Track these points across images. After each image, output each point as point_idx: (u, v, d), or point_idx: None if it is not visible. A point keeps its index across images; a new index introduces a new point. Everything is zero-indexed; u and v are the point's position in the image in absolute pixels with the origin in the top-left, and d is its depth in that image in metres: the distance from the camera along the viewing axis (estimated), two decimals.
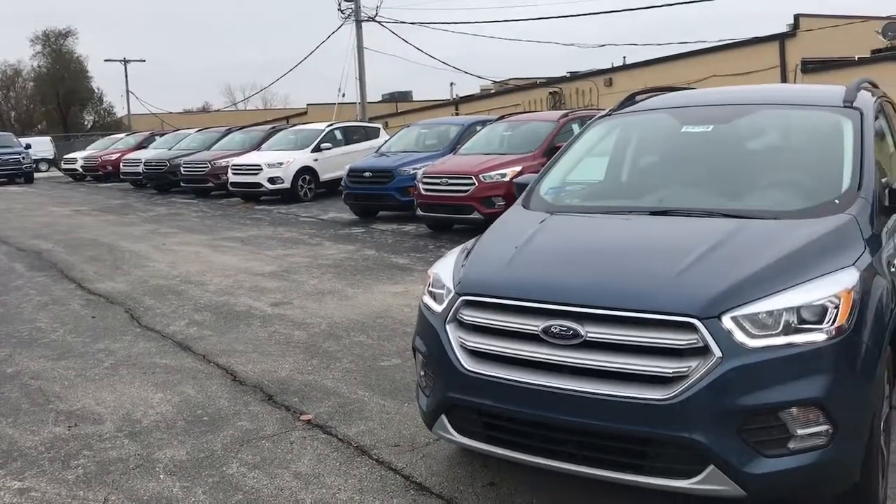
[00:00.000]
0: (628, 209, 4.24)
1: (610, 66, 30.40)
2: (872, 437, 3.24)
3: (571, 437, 3.24)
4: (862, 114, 4.31)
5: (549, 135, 12.84)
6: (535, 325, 3.31)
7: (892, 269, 3.72)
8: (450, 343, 3.52)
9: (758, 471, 3.01)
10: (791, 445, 3.04)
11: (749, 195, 4.15)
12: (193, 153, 23.24)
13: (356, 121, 25.93)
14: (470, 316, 3.52)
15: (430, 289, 3.88)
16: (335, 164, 19.16)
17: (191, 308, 8.19)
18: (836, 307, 3.10)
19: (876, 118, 4.47)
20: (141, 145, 29.45)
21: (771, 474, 3.02)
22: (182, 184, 22.62)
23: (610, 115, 5.20)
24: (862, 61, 22.71)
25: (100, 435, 4.84)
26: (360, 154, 18.27)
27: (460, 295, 3.59)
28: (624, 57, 54.68)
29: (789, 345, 3.03)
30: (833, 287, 3.16)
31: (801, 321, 3.08)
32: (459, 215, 12.47)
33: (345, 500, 3.89)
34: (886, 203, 3.94)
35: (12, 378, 6.04)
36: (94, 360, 6.45)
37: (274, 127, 25.51)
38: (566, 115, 13.72)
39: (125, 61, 57.70)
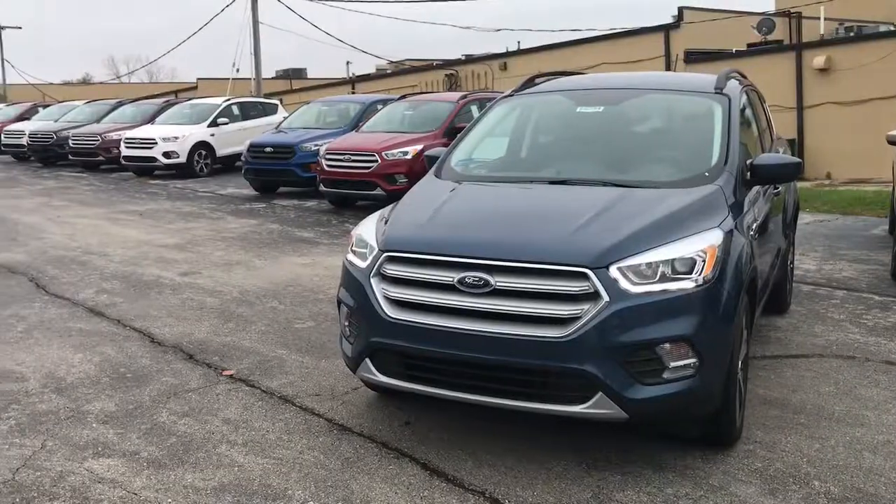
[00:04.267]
0: (530, 179, 4.76)
1: (505, 51, 31.16)
2: (731, 371, 3.86)
3: (482, 373, 3.73)
4: (730, 99, 4.95)
5: (450, 115, 13.32)
6: (450, 277, 3.76)
7: (751, 233, 4.37)
8: (374, 294, 3.95)
9: (638, 396, 3.57)
10: (665, 375, 3.62)
11: (634, 168, 4.74)
12: (82, 126, 22.51)
13: (251, 96, 25.68)
14: (392, 270, 3.95)
15: (354, 248, 4.27)
16: (232, 139, 19.07)
17: (97, 277, 8.25)
18: (704, 260, 3.70)
19: (741, 104, 5.13)
20: (23, 116, 28.08)
21: (648, 399, 3.60)
22: (70, 157, 21.88)
23: (512, 95, 5.69)
24: (739, 54, 24.25)
25: (26, 391, 5.00)
26: (258, 130, 18.25)
27: (384, 251, 4.01)
28: (518, 42, 55.63)
29: (664, 291, 3.61)
30: (701, 244, 3.75)
31: (675, 271, 3.66)
32: (362, 191, 12.80)
33: (274, 440, 4.26)
34: (748, 177, 4.60)
35: None
36: (4, 325, 6.51)
37: (167, 101, 24.96)
38: (465, 96, 14.21)
39: None
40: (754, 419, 4.42)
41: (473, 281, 3.71)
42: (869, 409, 4.60)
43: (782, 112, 23.03)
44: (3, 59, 55.24)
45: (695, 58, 24.15)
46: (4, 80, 55.90)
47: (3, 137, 25.69)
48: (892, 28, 23.66)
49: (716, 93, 5.02)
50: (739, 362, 4.06)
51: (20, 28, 60.25)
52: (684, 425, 4.04)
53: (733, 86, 5.21)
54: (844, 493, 3.64)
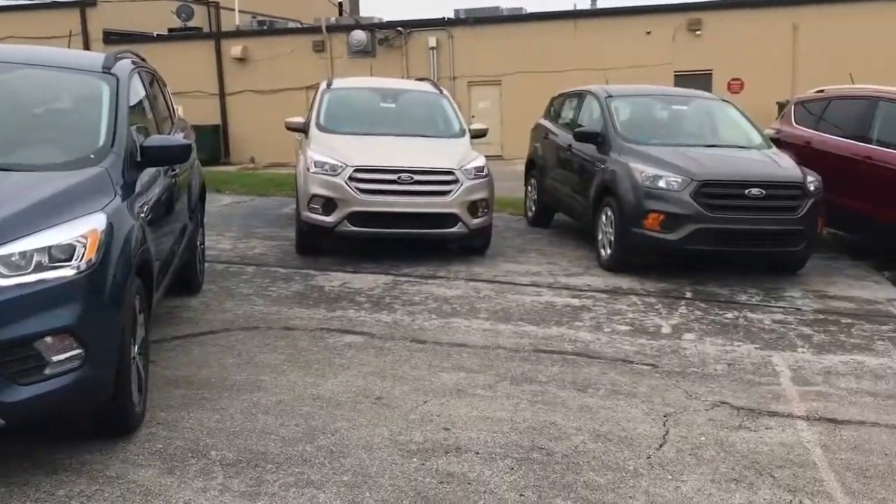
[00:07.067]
0: None
1: None
2: (124, 357, 3.78)
3: None
4: (118, 79, 4.81)
5: None
6: None
7: (142, 214, 4.33)
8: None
9: (14, 399, 3.27)
10: (47, 371, 3.37)
11: (9, 150, 4.27)
12: None
13: None
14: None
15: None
16: None
17: None
18: (85, 246, 3.53)
19: (132, 85, 5.04)
20: None
21: (29, 401, 3.31)
22: None
23: None
24: (161, 38, 24.21)
25: None
26: None
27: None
28: None
29: (41, 281, 3.36)
30: (82, 228, 3.58)
31: (53, 259, 3.43)
32: None
33: None
34: (139, 159, 4.54)
35: None
36: None
37: None
38: None
39: None
40: (159, 401, 4.43)
41: None
42: (266, 373, 4.98)
43: (206, 98, 23.72)
44: None
45: (115, 39, 23.46)
46: None
47: None
48: (299, 25, 26.07)
49: (103, 72, 4.84)
50: (136, 347, 4.01)
51: None
52: (76, 421, 3.84)
53: (123, 66, 5.08)
54: (238, 457, 3.85)
